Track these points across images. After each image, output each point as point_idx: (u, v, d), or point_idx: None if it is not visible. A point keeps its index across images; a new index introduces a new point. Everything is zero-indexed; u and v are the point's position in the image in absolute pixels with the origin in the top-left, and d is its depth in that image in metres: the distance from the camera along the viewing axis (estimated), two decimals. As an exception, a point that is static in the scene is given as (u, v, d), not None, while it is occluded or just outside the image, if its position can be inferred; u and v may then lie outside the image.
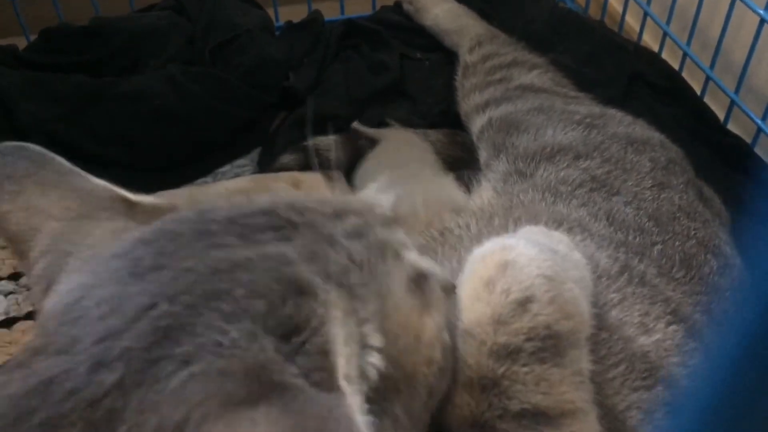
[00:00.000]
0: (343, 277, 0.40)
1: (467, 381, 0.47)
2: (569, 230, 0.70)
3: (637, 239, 0.71)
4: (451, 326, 0.48)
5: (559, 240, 0.56)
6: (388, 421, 0.40)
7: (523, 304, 0.48)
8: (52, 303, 0.41)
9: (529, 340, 0.47)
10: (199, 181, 1.08)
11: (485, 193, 0.83)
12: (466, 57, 1.12)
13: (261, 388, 0.33)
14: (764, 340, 0.22)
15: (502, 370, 0.47)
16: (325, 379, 0.36)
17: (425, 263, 0.47)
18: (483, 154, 0.91)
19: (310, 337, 0.37)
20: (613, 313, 0.62)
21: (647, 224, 0.74)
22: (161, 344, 0.36)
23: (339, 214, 0.44)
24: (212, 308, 0.37)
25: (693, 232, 0.76)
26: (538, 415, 0.46)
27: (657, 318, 0.63)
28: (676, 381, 0.59)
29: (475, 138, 0.95)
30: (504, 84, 1.01)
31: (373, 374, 0.40)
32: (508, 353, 0.47)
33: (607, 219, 0.73)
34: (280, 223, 0.42)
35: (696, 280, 0.70)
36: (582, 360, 0.49)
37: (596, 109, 0.94)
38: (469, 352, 0.48)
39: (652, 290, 0.65)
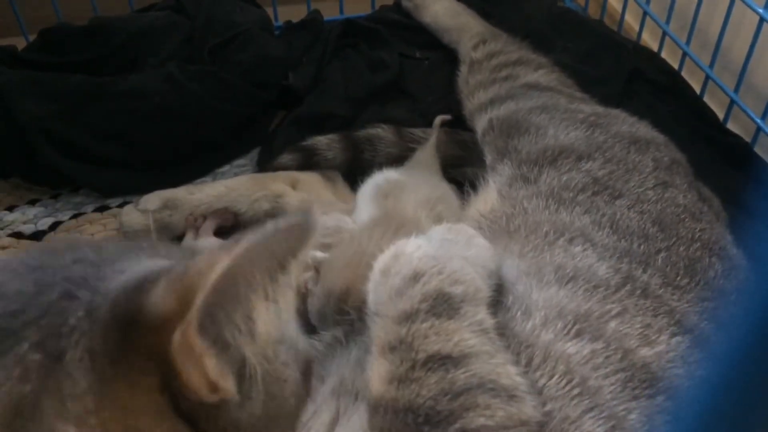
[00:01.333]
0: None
1: (380, 349, 0.55)
2: (570, 240, 0.71)
3: (642, 247, 0.71)
4: None
5: (459, 230, 0.65)
6: None
7: (414, 278, 0.57)
8: None
9: (423, 301, 0.55)
10: (199, 180, 1.08)
11: (491, 197, 0.83)
12: (471, 54, 1.11)
13: None
14: (766, 342, 0.22)
15: (404, 330, 0.54)
16: None
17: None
18: (488, 157, 0.90)
19: None
20: (612, 324, 0.62)
21: (651, 230, 0.73)
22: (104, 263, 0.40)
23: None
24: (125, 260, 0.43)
25: (698, 234, 0.75)
26: (443, 359, 0.53)
27: (660, 330, 0.63)
28: (679, 391, 0.59)
29: (479, 139, 0.95)
30: (510, 82, 1.00)
31: None
32: (408, 316, 0.55)
33: (611, 226, 0.73)
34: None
35: (701, 286, 0.70)
36: (479, 314, 0.56)
37: (600, 108, 0.94)
38: (379, 327, 0.56)
39: (656, 301, 0.66)
